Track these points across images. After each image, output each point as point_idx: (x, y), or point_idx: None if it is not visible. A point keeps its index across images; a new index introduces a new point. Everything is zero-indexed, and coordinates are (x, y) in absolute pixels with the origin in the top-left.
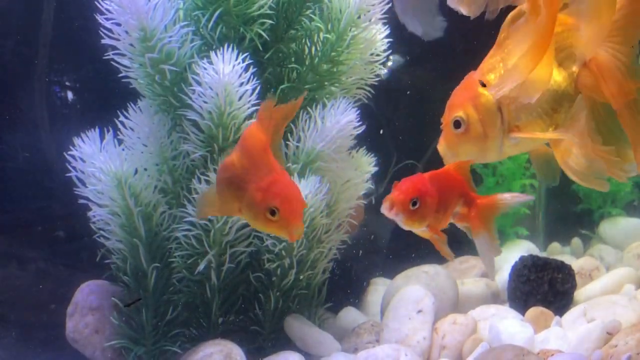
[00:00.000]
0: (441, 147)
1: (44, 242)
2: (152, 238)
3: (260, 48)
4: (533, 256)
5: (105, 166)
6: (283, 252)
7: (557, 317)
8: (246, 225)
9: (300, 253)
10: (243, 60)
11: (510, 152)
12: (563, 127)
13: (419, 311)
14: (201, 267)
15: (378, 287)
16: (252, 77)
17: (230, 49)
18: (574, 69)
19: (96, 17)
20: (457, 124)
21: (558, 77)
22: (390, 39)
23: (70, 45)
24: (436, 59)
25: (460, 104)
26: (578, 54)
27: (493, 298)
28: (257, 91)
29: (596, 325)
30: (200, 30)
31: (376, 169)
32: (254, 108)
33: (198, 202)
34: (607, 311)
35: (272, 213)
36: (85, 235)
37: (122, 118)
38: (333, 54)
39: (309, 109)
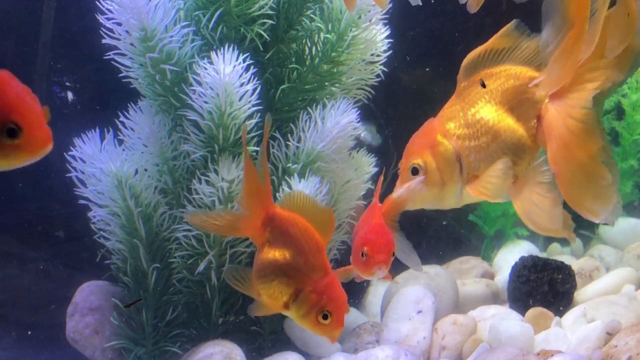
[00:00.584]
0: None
1: (44, 242)
2: (152, 238)
3: (261, 48)
4: (533, 257)
5: (105, 167)
6: None
7: (557, 318)
8: None
9: None
10: (244, 61)
11: (469, 201)
12: (524, 179)
13: (419, 311)
14: (201, 267)
15: (378, 288)
16: (252, 77)
17: (230, 49)
18: (533, 123)
19: (97, 16)
20: (414, 170)
21: (519, 129)
22: (391, 40)
23: (70, 45)
24: (436, 59)
25: (418, 151)
26: (536, 108)
27: (493, 298)
28: (257, 91)
29: (596, 325)
30: (201, 30)
31: (376, 169)
32: (255, 108)
33: (253, 308)
34: (607, 311)
35: (325, 317)
36: (86, 236)
37: (122, 118)
38: (333, 54)
39: (309, 109)
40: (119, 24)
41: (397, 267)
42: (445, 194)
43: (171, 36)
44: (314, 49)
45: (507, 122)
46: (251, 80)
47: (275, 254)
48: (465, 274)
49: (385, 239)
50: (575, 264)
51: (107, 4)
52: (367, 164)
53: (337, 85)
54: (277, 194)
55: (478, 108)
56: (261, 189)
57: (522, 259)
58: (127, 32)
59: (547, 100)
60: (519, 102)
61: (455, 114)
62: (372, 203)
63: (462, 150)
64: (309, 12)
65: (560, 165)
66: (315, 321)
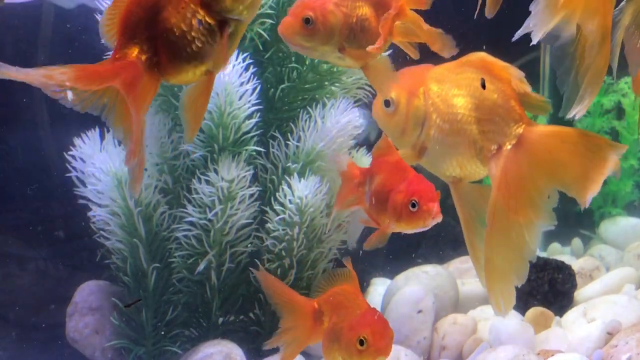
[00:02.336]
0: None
1: (44, 242)
2: (152, 238)
3: (261, 47)
4: None
5: (105, 166)
6: (283, 253)
7: (558, 318)
8: (246, 225)
9: (300, 253)
10: (243, 60)
11: (420, 162)
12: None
13: (419, 311)
14: (201, 267)
15: (378, 288)
16: (252, 76)
17: None
18: (493, 148)
19: (96, 16)
20: (387, 102)
21: (477, 143)
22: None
23: (70, 45)
24: (437, 58)
25: (400, 89)
26: (502, 139)
27: None
28: (257, 91)
29: (596, 325)
30: None
31: None
32: (254, 108)
33: None
34: (607, 311)
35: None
36: (85, 235)
37: None
38: None
39: (309, 108)
40: None
41: (397, 267)
42: (401, 142)
43: None
44: None
45: (471, 129)
46: (251, 80)
47: (351, 325)
48: (466, 273)
49: (432, 187)
50: (575, 263)
51: (107, 3)
52: (367, 163)
53: (337, 84)
54: (277, 194)
55: (459, 94)
56: (295, 298)
57: None
58: None
59: (513, 142)
60: (492, 121)
61: (444, 80)
62: (395, 160)
63: (429, 120)
64: None
65: (493, 217)
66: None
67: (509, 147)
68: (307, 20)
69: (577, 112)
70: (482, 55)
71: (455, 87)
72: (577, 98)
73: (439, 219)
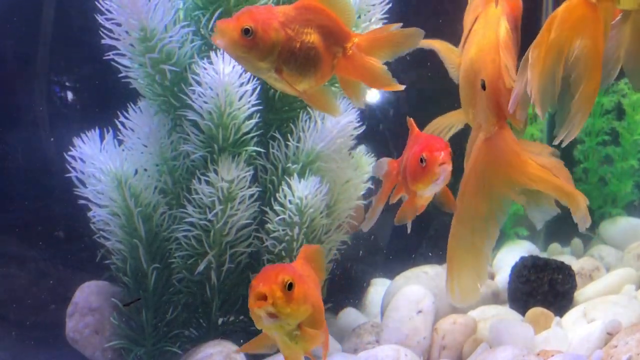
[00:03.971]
0: None
1: (44, 242)
2: (152, 239)
3: None
4: (533, 257)
5: (105, 167)
6: (283, 253)
7: (557, 318)
8: (246, 226)
9: None
10: None
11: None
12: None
13: (419, 311)
14: (201, 267)
15: (378, 288)
16: (252, 77)
17: None
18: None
19: (96, 17)
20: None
21: (473, 104)
22: None
23: (70, 45)
24: (436, 58)
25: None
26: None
27: (493, 298)
28: (257, 91)
29: (596, 325)
30: (201, 30)
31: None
32: (254, 108)
33: None
34: (607, 311)
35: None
36: (85, 236)
37: (122, 118)
38: None
39: (309, 109)
40: (119, 24)
41: (397, 268)
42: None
43: (171, 36)
44: None
45: (473, 94)
46: (251, 80)
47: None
48: None
49: (439, 139)
50: (575, 264)
51: (107, 4)
52: (367, 164)
53: (337, 85)
54: (277, 194)
55: (477, 52)
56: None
57: (523, 259)
58: (126, 32)
59: (488, 135)
60: (481, 101)
61: (483, 25)
62: (414, 135)
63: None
64: None
65: (461, 198)
66: None
67: (482, 137)
68: (246, 31)
69: (565, 137)
70: (506, 36)
71: (482, 40)
72: (565, 124)
73: (448, 165)
